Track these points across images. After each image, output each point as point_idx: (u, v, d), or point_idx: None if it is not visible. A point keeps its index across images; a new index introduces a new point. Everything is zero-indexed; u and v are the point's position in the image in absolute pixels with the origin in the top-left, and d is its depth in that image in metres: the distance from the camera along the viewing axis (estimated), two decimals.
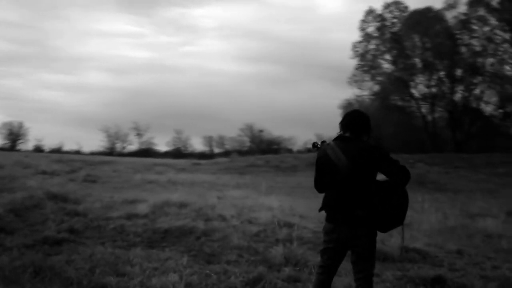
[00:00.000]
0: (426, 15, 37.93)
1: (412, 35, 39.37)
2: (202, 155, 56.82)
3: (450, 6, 36.98)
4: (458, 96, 40.22)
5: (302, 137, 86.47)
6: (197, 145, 70.80)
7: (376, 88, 43.41)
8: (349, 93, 64.05)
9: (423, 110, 42.60)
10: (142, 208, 9.71)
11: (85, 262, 5.45)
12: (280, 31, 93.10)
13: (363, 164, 3.63)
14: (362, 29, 40.55)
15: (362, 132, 3.83)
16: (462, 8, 36.79)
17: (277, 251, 6.60)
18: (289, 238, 7.85)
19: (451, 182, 18.68)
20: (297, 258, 6.17)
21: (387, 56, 41.62)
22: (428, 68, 40.58)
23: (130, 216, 9.02)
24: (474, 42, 37.55)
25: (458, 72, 39.32)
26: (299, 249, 6.56)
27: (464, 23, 37.06)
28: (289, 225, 9.00)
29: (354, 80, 41.89)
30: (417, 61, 40.96)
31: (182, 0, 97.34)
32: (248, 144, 73.93)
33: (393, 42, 40.16)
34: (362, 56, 40.92)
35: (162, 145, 69.11)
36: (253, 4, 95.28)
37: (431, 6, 38.32)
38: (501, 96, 37.26)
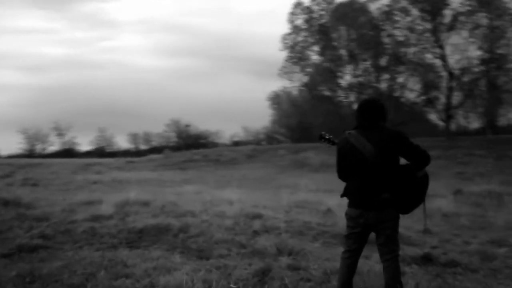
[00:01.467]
0: (351, 7, 39.13)
1: (338, 27, 40.49)
2: (127, 153, 55.52)
3: None
4: (383, 85, 42.00)
5: (229, 130, 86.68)
6: (122, 143, 69.26)
7: (305, 79, 44.33)
8: (276, 85, 65.04)
9: (351, 99, 44.05)
10: (105, 209, 9.38)
11: (81, 266, 5.21)
12: (201, 24, 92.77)
13: (388, 150, 3.81)
14: (291, 21, 41.20)
15: (379, 119, 3.97)
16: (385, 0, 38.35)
17: (267, 242, 6.66)
18: (264, 229, 7.98)
19: None
20: (288, 247, 6.26)
21: (315, 48, 42.56)
22: (354, 58, 41.97)
23: (96, 218, 8.68)
24: (397, 32, 39.19)
25: (383, 61, 40.94)
26: (287, 238, 6.66)
27: (387, 14, 38.57)
28: (259, 216, 9.10)
29: (284, 72, 42.52)
30: (344, 52, 42.22)
31: None
32: (175, 139, 73.28)
33: (321, 34, 41.13)
34: (291, 48, 41.57)
35: (85, 145, 66.71)
36: None
37: None
38: (424, 83, 39.27)
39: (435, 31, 36.79)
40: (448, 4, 35.97)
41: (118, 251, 6.20)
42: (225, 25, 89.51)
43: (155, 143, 74.38)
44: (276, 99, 60.36)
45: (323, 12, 41.17)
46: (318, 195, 12.73)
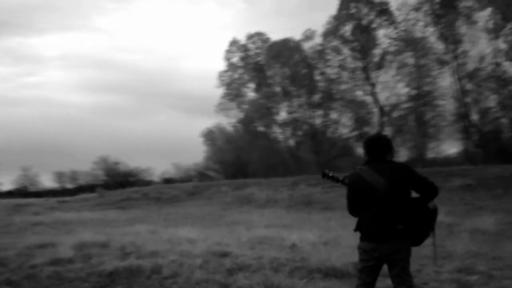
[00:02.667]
0: (286, 46, 40.36)
1: (273, 65, 41.57)
2: (53, 192, 53.15)
3: (308, 37, 39.94)
4: (317, 120, 43.24)
5: (159, 167, 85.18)
6: (47, 181, 66.17)
7: (241, 115, 44.85)
8: (208, 121, 65.04)
9: (286, 135, 44.96)
10: (64, 252, 8.89)
11: None
12: (128, 61, 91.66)
13: (398, 182, 3.93)
14: (227, 59, 41.86)
15: (387, 153, 4.11)
16: (318, 39, 39.94)
17: (247, 280, 6.56)
18: (237, 267, 7.86)
19: (336, 201, 19.91)
20: (275, 284, 6.19)
21: (251, 85, 43.34)
22: (289, 95, 43.07)
23: (56, 262, 8.21)
24: (329, 70, 40.79)
25: (316, 98, 42.26)
26: (272, 276, 6.59)
27: (320, 52, 40.15)
28: (226, 254, 8.97)
29: (221, 108, 42.85)
30: (278, 89, 43.26)
31: (20, 29, 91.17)
32: (103, 177, 71.14)
33: (256, 71, 42.01)
34: (228, 85, 42.07)
35: (6, 184, 62.97)
36: (97, 32, 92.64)
37: (290, 38, 40.99)
38: (355, 119, 40.83)
39: (365, 69, 38.58)
40: (377, 44, 37.96)
41: None
42: (153, 62, 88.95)
43: (82, 181, 71.88)
44: (210, 135, 60.33)
45: (258, 50, 42.14)
46: (275, 230, 12.72)
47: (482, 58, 34.72)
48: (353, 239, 11.22)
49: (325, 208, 18.76)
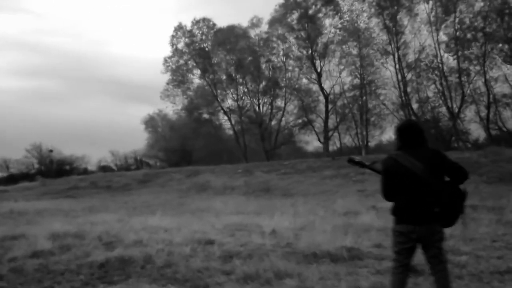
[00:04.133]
0: (232, 32, 40.17)
1: (219, 51, 41.27)
2: None
3: (254, 25, 39.97)
4: (263, 108, 43.49)
5: (95, 155, 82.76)
6: None
7: (186, 102, 44.33)
8: (145, 109, 63.58)
9: (231, 122, 44.92)
10: (41, 244, 8.49)
11: None
12: (58, 44, 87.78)
13: (434, 167, 4.06)
14: (172, 44, 41.09)
15: (421, 139, 4.24)
16: (265, 27, 40.03)
17: (249, 267, 6.53)
18: (228, 254, 7.82)
19: (293, 187, 20.19)
20: (282, 270, 6.21)
21: (197, 71, 42.88)
22: (234, 82, 43.00)
23: (37, 254, 7.84)
24: (275, 58, 41.09)
25: (262, 86, 42.48)
26: (277, 260, 6.61)
27: (266, 40, 40.28)
28: (211, 242, 8.91)
29: (166, 95, 42.15)
30: (224, 76, 43.07)
31: None
32: (36, 165, 68.68)
33: (202, 57, 41.55)
34: (173, 71, 41.38)
35: None
36: (23, 14, 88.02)
37: (237, 24, 40.83)
38: (300, 107, 41.42)
39: (311, 58, 39.11)
40: (322, 33, 38.56)
41: None
42: (84, 46, 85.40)
43: (14, 169, 69.03)
44: (152, 123, 59.38)
45: (204, 36, 41.68)
46: (247, 217, 12.76)
47: (422, 49, 36.14)
48: (326, 224, 11.47)
49: (284, 194, 18.97)
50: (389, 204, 12.90)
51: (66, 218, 13.58)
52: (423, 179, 4.05)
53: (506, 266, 6.33)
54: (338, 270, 6.53)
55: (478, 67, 33.08)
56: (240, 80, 42.33)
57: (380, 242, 8.75)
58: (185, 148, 49.83)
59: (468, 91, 34.32)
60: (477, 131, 37.39)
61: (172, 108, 45.02)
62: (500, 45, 32.23)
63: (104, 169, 62.47)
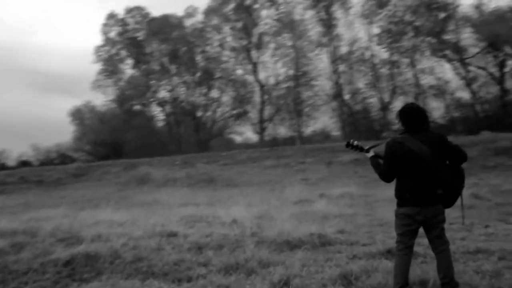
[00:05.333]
0: (167, 22, 39.34)
1: (153, 41, 40.32)
2: None
3: (189, 15, 39.35)
4: (197, 99, 42.97)
5: (16, 149, 78.51)
6: None
7: (118, 93, 43.03)
8: (69, 100, 60.97)
9: (164, 113, 44.13)
10: None
11: None
12: None
13: (438, 150, 4.15)
14: (104, 33, 39.67)
15: (425, 122, 4.30)
16: (200, 16, 39.53)
17: (227, 258, 6.41)
18: (198, 246, 7.64)
19: (237, 177, 20.14)
20: (264, 259, 6.12)
21: (129, 61, 41.67)
22: (168, 73, 42.21)
23: None
24: (210, 48, 40.67)
25: (197, 76, 41.98)
26: (257, 250, 6.51)
27: (201, 31, 39.80)
28: (174, 234, 8.69)
29: (97, 85, 40.66)
30: (157, 66, 42.15)
31: None
32: None
33: (135, 47, 40.43)
34: (105, 60, 39.95)
35: None
36: None
37: (171, 14, 40.02)
38: (236, 98, 41.36)
39: (246, 49, 39.12)
40: (257, 24, 38.65)
41: None
42: (2, 34, 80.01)
43: None
44: (79, 115, 57.05)
45: (137, 26, 40.53)
46: (200, 208, 12.54)
47: (354, 42, 37.17)
48: (282, 212, 11.50)
49: (228, 185, 18.89)
50: (337, 192, 13.09)
51: (4, 215, 12.72)
52: (428, 162, 4.12)
53: (474, 247, 6.59)
54: (315, 257, 6.56)
55: (408, 60, 34.48)
56: (175, 70, 41.59)
57: (342, 228, 8.91)
58: (115, 140, 48.26)
59: (398, 83, 35.71)
60: None
61: (103, 100, 43.51)
62: (428, 38, 33.74)
63: (24, 164, 59.39)
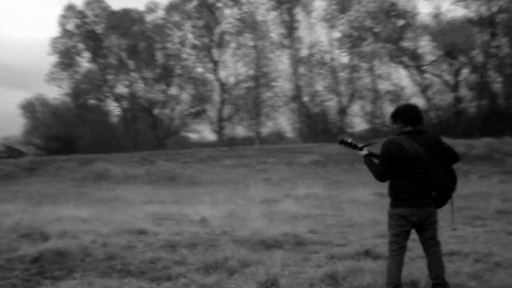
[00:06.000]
0: (127, 16, 38.57)
1: (112, 35, 39.43)
2: None
3: (151, 10, 38.70)
4: (156, 96, 42.29)
5: None
6: None
7: (73, 86, 41.85)
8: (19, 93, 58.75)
9: (122, 109, 43.24)
10: None
11: None
12: None
13: (434, 152, 4.20)
14: (62, 24, 38.44)
15: (423, 125, 4.35)
16: (161, 12, 38.93)
17: (220, 256, 6.23)
18: (171, 244, 7.47)
19: (198, 176, 19.96)
20: (246, 259, 6.03)
21: (86, 54, 40.58)
22: (126, 68, 41.38)
23: None
24: (170, 45, 40.11)
25: (156, 73, 41.28)
26: (236, 249, 6.41)
27: (161, 27, 39.21)
28: (143, 232, 8.49)
29: (52, 78, 39.39)
30: (116, 61, 41.25)
31: None
32: None
33: (93, 40, 39.41)
34: (62, 53, 38.74)
35: None
36: None
37: (132, 8, 39.25)
38: (194, 96, 41.00)
39: (208, 47, 38.86)
40: (220, 23, 38.46)
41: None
42: None
43: None
44: (30, 108, 55.13)
45: (96, 19, 39.51)
46: (164, 206, 12.33)
47: (315, 45, 37.58)
48: (251, 212, 11.45)
49: (190, 183, 18.70)
50: (302, 192, 13.13)
51: None
52: (424, 163, 4.15)
53: (448, 249, 6.67)
54: (292, 256, 6.52)
55: (367, 65, 35.14)
56: (133, 66, 40.79)
57: (313, 228, 8.92)
58: (68, 135, 46.88)
59: (357, 87, 36.34)
60: (360, 125, 39.66)
61: (58, 93, 42.15)
62: (387, 44, 34.50)
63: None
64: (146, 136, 43.41)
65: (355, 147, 4.59)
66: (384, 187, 13.90)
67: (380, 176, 4.34)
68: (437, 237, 4.38)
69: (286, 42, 37.73)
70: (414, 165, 4.15)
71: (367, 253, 6.19)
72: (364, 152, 4.54)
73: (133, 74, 41.35)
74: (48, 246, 6.76)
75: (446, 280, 4.32)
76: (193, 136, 43.35)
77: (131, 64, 40.75)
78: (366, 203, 12.14)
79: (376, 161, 4.45)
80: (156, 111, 41.47)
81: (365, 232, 8.48)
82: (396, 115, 4.38)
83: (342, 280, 4.76)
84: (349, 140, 4.64)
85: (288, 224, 9.08)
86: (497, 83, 34.84)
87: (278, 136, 42.19)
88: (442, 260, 4.36)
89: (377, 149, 4.54)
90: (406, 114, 4.34)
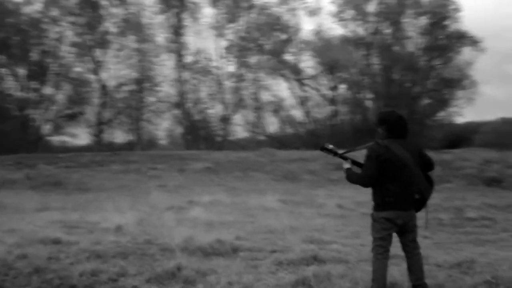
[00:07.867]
0: (1, 7, 35.21)
1: None
2: None
3: (28, 2, 35.78)
4: (27, 94, 38.94)
5: None
6: None
7: None
8: None
9: None
10: None
11: None
12: None
13: (416, 158, 4.45)
14: None
15: (407, 131, 4.54)
16: (39, 5, 36.13)
17: (169, 266, 5.89)
18: (98, 255, 6.95)
19: (87, 182, 18.85)
20: (202, 268, 5.77)
21: None
22: None
23: None
24: (46, 41, 37.33)
25: (28, 70, 38.08)
26: (186, 258, 6.10)
27: (38, 21, 36.41)
28: (57, 242, 7.85)
29: None
30: None
31: None
32: None
33: None
34: None
35: None
36: None
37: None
38: (70, 97, 38.53)
39: (88, 46, 36.92)
40: (102, 22, 36.74)
41: None
42: None
43: None
44: None
45: None
46: (64, 214, 11.43)
47: (200, 52, 37.57)
48: (163, 219, 11.13)
49: (80, 189, 17.59)
50: (206, 199, 13.04)
51: None
52: (410, 168, 4.34)
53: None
54: (239, 264, 6.40)
55: (251, 75, 35.92)
56: (3, 61, 37.19)
57: (237, 235, 8.83)
58: None
59: (240, 96, 36.97)
60: (241, 134, 40.30)
61: None
62: (269, 56, 35.64)
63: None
64: (15, 137, 39.81)
65: (335, 153, 4.66)
66: (286, 193, 14.36)
67: (367, 180, 4.41)
68: (416, 239, 4.57)
69: (172, 46, 37.18)
70: (402, 168, 4.33)
71: (315, 259, 6.27)
72: (347, 165, 4.60)
73: (3, 70, 37.71)
74: None
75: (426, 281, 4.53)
76: (67, 139, 40.62)
77: (1, 58, 37.18)
78: (274, 210, 12.35)
79: (358, 170, 4.54)
80: (28, 111, 38.22)
81: (291, 238, 8.59)
82: (386, 121, 4.49)
83: (316, 285, 4.77)
84: (330, 146, 4.70)
85: (211, 232, 8.93)
86: (368, 100, 37.71)
87: (152, 143, 41.49)
88: (422, 262, 4.56)
89: (358, 157, 4.64)
90: (395, 120, 4.48)
